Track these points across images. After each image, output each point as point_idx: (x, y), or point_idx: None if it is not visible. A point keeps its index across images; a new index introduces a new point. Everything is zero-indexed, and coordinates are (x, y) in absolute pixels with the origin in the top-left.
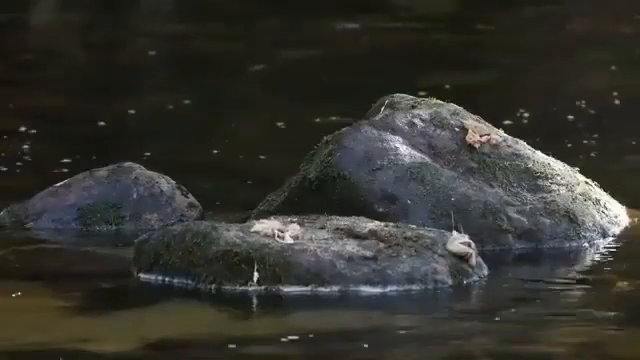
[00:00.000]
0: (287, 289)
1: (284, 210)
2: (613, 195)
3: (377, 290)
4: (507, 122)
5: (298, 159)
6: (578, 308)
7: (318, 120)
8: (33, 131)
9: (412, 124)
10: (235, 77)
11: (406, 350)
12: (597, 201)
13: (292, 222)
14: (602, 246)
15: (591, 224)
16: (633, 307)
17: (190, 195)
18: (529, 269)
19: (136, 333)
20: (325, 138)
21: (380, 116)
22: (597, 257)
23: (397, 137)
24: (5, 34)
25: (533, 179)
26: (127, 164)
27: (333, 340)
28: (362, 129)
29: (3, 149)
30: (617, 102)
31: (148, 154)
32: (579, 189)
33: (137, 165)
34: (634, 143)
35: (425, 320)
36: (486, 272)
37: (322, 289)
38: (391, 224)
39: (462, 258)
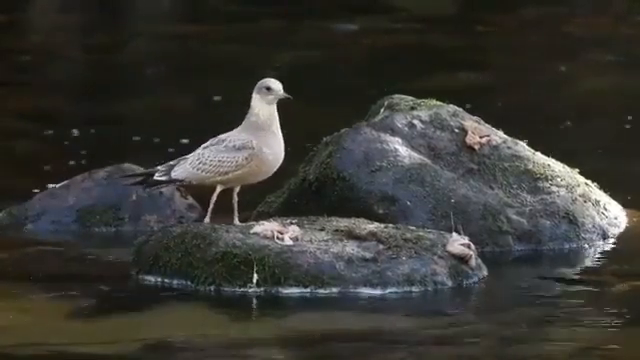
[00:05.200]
0: (286, 291)
1: (284, 211)
2: (613, 196)
3: (377, 292)
4: (507, 123)
5: (298, 160)
6: (578, 309)
7: (317, 121)
8: (33, 131)
9: (412, 125)
10: (234, 78)
11: (406, 351)
12: (597, 202)
13: (292, 223)
14: (602, 247)
15: (591, 225)
16: (633, 307)
17: (189, 196)
18: (529, 270)
19: (135, 334)
20: (324, 139)
21: (379, 117)
22: (597, 258)
23: (396, 138)
24: (5, 34)
25: (533, 180)
26: (126, 165)
27: (332, 342)
28: (361, 130)
29: (3, 149)
30: (617, 103)
31: (147, 155)
32: (579, 190)
33: (136, 166)
34: (634, 144)
35: (425, 322)
36: (486, 273)
37: (322, 290)
38: (391, 225)
39: (462, 259)
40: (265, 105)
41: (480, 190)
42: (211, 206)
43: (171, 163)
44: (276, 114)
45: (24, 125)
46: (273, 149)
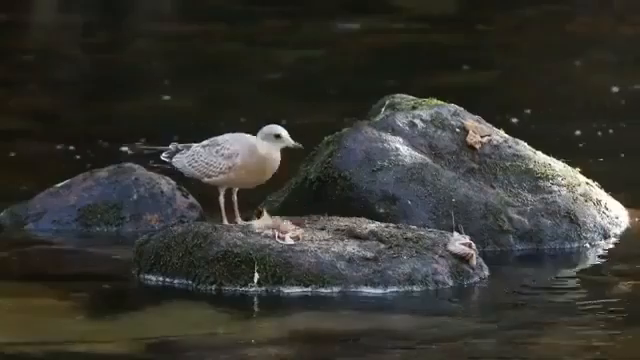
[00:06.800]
0: (287, 290)
1: (285, 211)
2: (614, 196)
3: (378, 291)
4: (507, 122)
5: (299, 160)
6: (578, 309)
7: (318, 120)
8: (33, 131)
9: (412, 124)
10: (235, 77)
11: (406, 351)
12: (598, 202)
13: (293, 223)
14: (603, 247)
15: (592, 225)
16: (633, 307)
17: (190, 196)
18: (530, 270)
19: (136, 333)
20: (326, 139)
21: (381, 116)
22: (598, 258)
23: (398, 138)
24: (5, 34)
25: (534, 180)
26: (127, 164)
27: (333, 341)
28: (363, 130)
29: (3, 149)
30: (617, 102)
31: (148, 154)
32: (580, 190)
33: (137, 165)
34: (634, 143)
35: (426, 321)
36: (487, 273)
37: (323, 290)
38: (392, 225)
39: (463, 259)
40: (271, 149)
41: (481, 189)
42: (222, 207)
43: (179, 147)
44: (279, 156)
45: (24, 125)
46: (254, 174)
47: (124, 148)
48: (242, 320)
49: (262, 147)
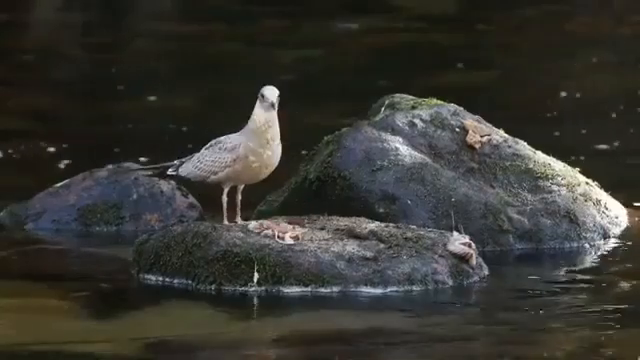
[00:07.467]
0: (287, 290)
1: (284, 210)
2: (614, 195)
3: (377, 291)
4: (507, 122)
5: (298, 159)
6: (578, 308)
7: (318, 120)
8: (33, 131)
9: (412, 124)
10: (235, 77)
11: (406, 351)
12: (598, 201)
13: (292, 222)
14: (603, 246)
15: (592, 225)
16: (633, 307)
17: (190, 195)
18: (530, 270)
19: (136, 333)
20: (325, 138)
21: (380, 116)
22: (598, 258)
23: (397, 137)
24: (5, 34)
25: (534, 179)
26: (127, 164)
27: (333, 341)
28: (362, 129)
29: (3, 149)
30: (617, 102)
31: (148, 154)
32: (580, 189)
33: (137, 165)
34: (635, 143)
35: (425, 321)
36: (487, 273)
37: (322, 290)
38: (391, 224)
39: (463, 259)
40: (262, 111)
41: (481, 189)
42: (224, 206)
43: (182, 160)
44: (275, 122)
45: (24, 125)
46: (260, 157)
47: (127, 164)
48: (242, 320)
49: (258, 113)
